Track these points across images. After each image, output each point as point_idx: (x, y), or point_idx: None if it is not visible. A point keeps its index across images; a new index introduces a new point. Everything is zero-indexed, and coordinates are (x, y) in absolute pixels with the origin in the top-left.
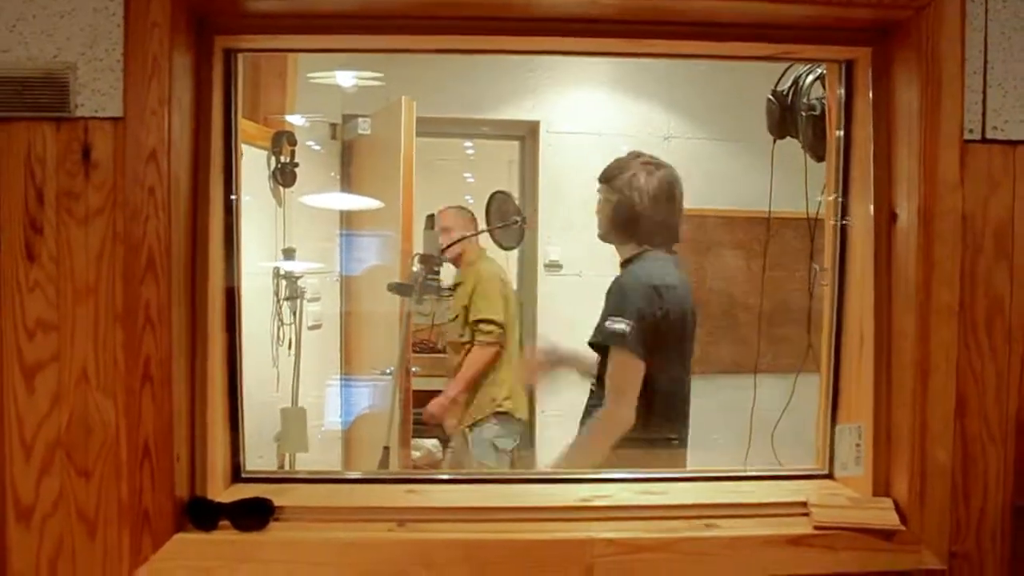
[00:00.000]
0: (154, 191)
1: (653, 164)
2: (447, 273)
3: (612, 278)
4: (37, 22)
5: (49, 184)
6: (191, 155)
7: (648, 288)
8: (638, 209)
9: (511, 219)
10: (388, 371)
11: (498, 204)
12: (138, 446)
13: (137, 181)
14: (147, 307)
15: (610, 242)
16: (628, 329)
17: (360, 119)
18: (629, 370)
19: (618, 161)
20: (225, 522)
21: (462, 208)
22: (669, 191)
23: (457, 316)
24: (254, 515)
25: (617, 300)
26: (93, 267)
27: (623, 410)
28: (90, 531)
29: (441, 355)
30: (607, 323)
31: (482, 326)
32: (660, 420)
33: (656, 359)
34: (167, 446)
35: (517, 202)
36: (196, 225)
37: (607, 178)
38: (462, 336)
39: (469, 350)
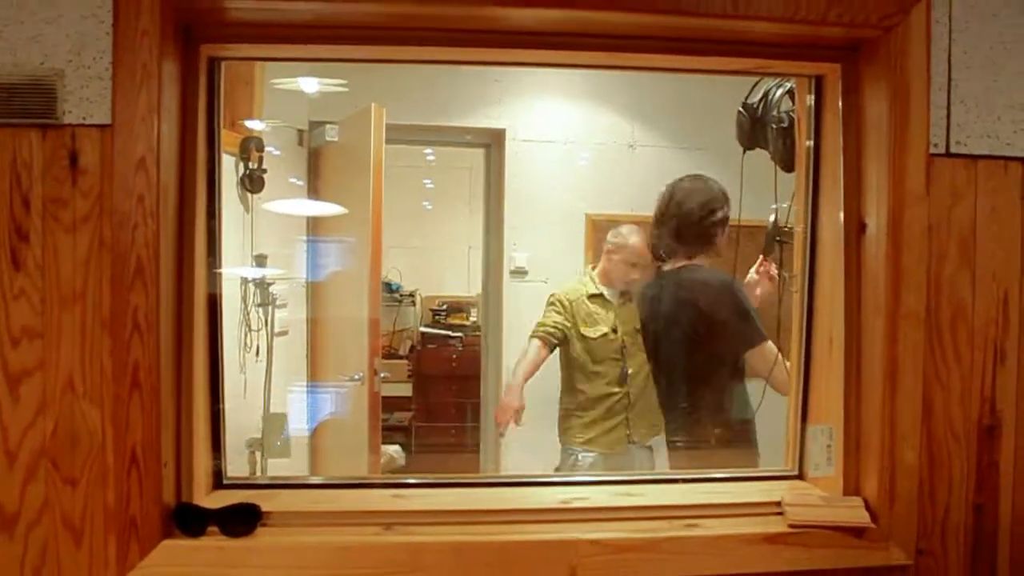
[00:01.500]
0: (143, 199)
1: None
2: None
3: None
4: (24, 28)
5: (35, 191)
6: (178, 162)
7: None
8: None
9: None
10: (357, 376)
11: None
12: (125, 453)
13: (126, 189)
14: (135, 314)
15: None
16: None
17: (328, 126)
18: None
19: None
20: (213, 528)
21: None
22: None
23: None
24: (242, 521)
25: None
26: (80, 274)
27: None
28: (76, 539)
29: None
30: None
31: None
32: None
33: None
34: (155, 453)
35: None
36: (183, 231)
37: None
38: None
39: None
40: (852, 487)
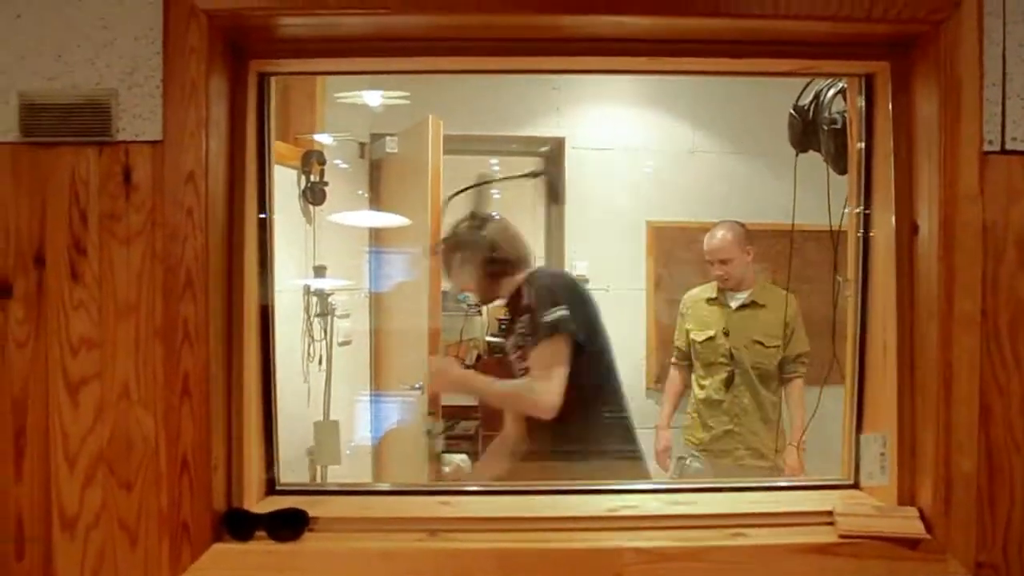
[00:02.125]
0: (192, 212)
1: None
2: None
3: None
4: (81, 51)
5: (92, 206)
6: (227, 176)
7: None
8: None
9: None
10: (417, 385)
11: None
12: (177, 459)
13: (176, 202)
14: (185, 324)
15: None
16: None
17: (388, 138)
18: None
19: None
20: (261, 532)
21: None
22: None
23: (761, 342)
24: (289, 525)
25: None
26: (134, 286)
27: None
28: (131, 541)
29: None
30: None
31: (803, 359)
32: None
33: None
34: (205, 459)
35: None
36: (232, 243)
37: None
38: (765, 365)
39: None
40: (907, 497)
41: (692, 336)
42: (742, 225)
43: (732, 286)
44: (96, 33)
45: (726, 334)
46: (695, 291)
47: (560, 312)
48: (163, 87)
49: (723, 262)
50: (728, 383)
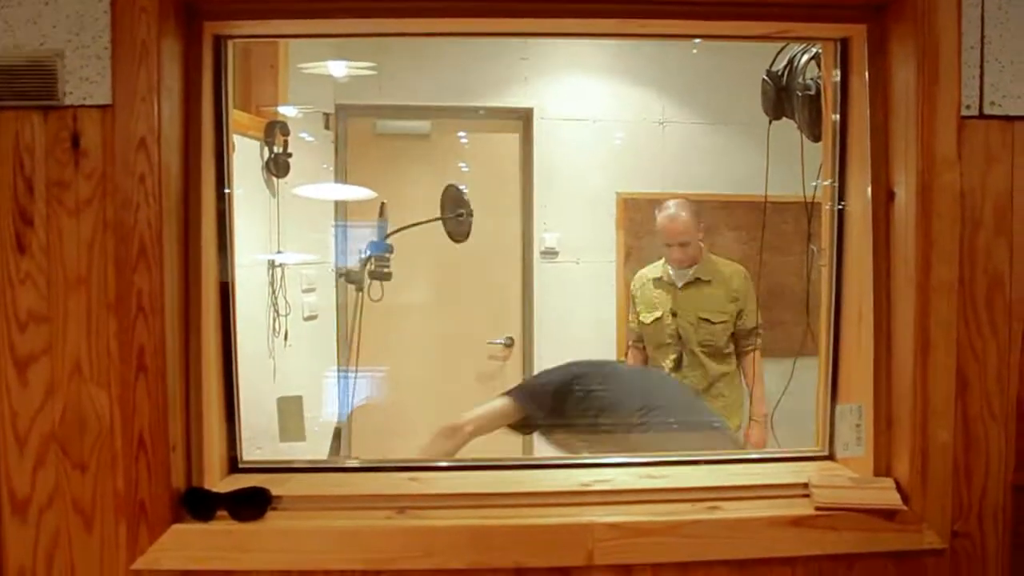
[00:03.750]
0: (144, 179)
1: None
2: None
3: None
4: (23, 9)
5: (38, 174)
6: (181, 143)
7: None
8: None
9: (456, 212)
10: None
11: (451, 196)
12: (133, 438)
13: (127, 169)
14: (139, 296)
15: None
16: None
17: None
18: None
19: None
20: (223, 512)
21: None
22: None
23: (708, 319)
24: (251, 505)
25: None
26: (84, 257)
27: None
28: (87, 523)
29: None
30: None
31: (758, 331)
32: None
33: None
34: (162, 437)
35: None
36: (188, 214)
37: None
38: (713, 341)
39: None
40: (883, 468)
41: (641, 318)
42: (691, 203)
43: (688, 265)
44: None
45: (674, 314)
46: (644, 271)
47: None
48: (112, 48)
49: (683, 245)
50: (677, 363)
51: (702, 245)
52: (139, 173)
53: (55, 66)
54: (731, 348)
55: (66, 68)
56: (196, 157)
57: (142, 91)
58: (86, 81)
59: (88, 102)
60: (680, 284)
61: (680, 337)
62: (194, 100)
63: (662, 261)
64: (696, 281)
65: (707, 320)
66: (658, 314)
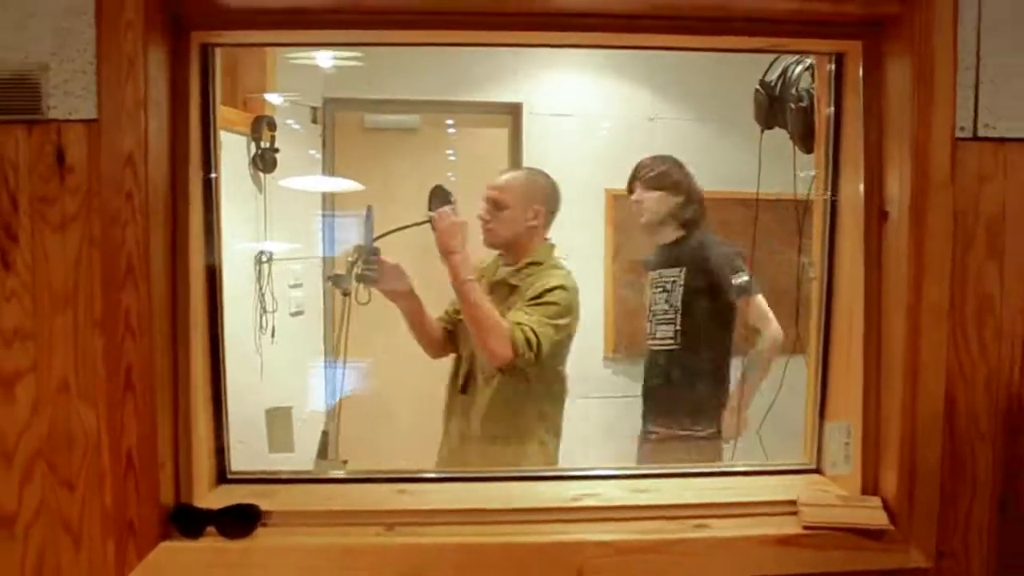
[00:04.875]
0: (132, 196)
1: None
2: None
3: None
4: (5, 22)
5: (22, 190)
6: (169, 155)
7: None
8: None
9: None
10: None
11: (437, 197)
12: (121, 455)
13: (114, 186)
14: (127, 315)
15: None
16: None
17: None
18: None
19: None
20: (211, 529)
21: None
22: None
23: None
24: (240, 522)
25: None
26: (70, 274)
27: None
28: (75, 541)
29: None
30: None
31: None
32: None
33: None
34: (151, 455)
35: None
36: (176, 227)
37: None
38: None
39: None
40: (871, 486)
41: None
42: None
43: (499, 244)
44: (22, 2)
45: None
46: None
47: None
48: (97, 63)
49: (495, 204)
50: (463, 388)
51: (530, 238)
52: (126, 190)
53: (39, 80)
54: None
55: (50, 82)
56: (183, 168)
57: (128, 106)
58: (71, 96)
59: (73, 117)
60: (490, 279)
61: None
62: (181, 111)
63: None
64: (502, 283)
65: None
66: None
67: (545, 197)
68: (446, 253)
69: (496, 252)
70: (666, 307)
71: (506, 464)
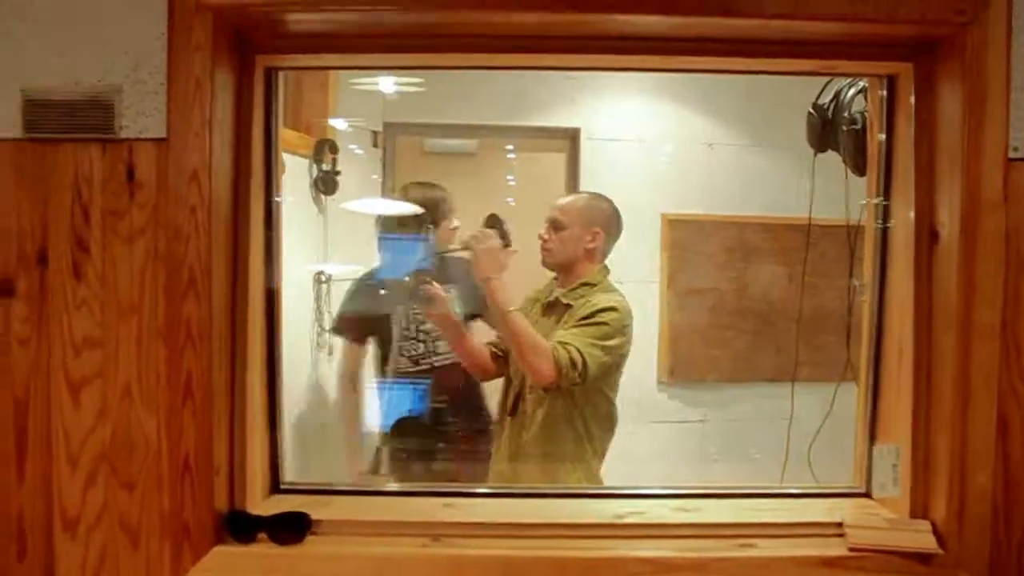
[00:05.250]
0: (196, 211)
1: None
2: None
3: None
4: (84, 47)
5: (95, 204)
6: (232, 173)
7: None
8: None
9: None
10: None
11: (490, 226)
12: (179, 461)
13: (180, 201)
14: (188, 324)
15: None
16: None
17: None
18: None
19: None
20: (263, 535)
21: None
22: None
23: None
24: (291, 529)
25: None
26: (136, 285)
27: None
28: (133, 542)
29: None
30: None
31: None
32: None
33: None
34: (207, 461)
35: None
36: (237, 242)
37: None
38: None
39: None
40: (920, 510)
41: None
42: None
43: (556, 264)
44: (100, 29)
45: None
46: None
47: None
48: (168, 85)
49: (554, 226)
50: (512, 410)
51: (587, 260)
52: (191, 205)
53: (113, 101)
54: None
55: (123, 103)
56: (245, 186)
57: (195, 126)
58: (142, 116)
59: (144, 136)
60: (544, 300)
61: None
62: (245, 131)
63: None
64: (556, 303)
65: None
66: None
67: (606, 221)
68: (482, 279)
69: (552, 275)
70: None
71: (550, 483)
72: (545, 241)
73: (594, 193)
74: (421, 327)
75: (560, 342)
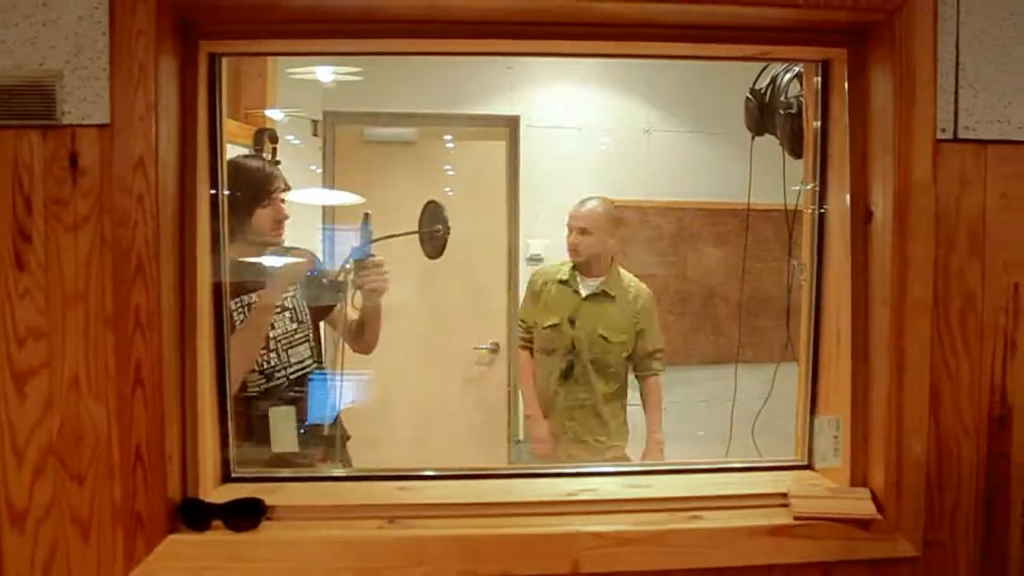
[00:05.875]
0: (142, 198)
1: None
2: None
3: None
4: (21, 31)
5: (37, 192)
6: (178, 160)
7: None
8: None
9: (433, 228)
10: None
11: (429, 212)
12: (130, 450)
13: (125, 188)
14: (137, 312)
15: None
16: None
17: None
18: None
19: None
20: (218, 522)
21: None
22: None
23: (605, 336)
24: (246, 515)
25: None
26: (82, 273)
27: None
28: (84, 534)
29: None
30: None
31: (658, 355)
32: None
33: None
34: (159, 449)
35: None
36: (184, 228)
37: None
38: (605, 359)
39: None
40: (860, 478)
41: (538, 319)
42: (614, 208)
43: (584, 261)
44: (37, 12)
45: (572, 323)
46: (547, 269)
47: None
48: (110, 69)
49: (582, 232)
50: (566, 374)
51: (612, 256)
52: (137, 192)
53: (54, 87)
54: (620, 370)
55: (64, 89)
56: (192, 172)
57: (140, 111)
58: (84, 101)
59: (86, 122)
60: (584, 293)
61: (574, 348)
62: (190, 117)
63: (565, 264)
64: (602, 294)
65: (604, 337)
66: (556, 320)
67: (616, 222)
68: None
69: (559, 262)
70: None
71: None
72: (576, 244)
73: (603, 198)
74: None
75: (655, 353)
